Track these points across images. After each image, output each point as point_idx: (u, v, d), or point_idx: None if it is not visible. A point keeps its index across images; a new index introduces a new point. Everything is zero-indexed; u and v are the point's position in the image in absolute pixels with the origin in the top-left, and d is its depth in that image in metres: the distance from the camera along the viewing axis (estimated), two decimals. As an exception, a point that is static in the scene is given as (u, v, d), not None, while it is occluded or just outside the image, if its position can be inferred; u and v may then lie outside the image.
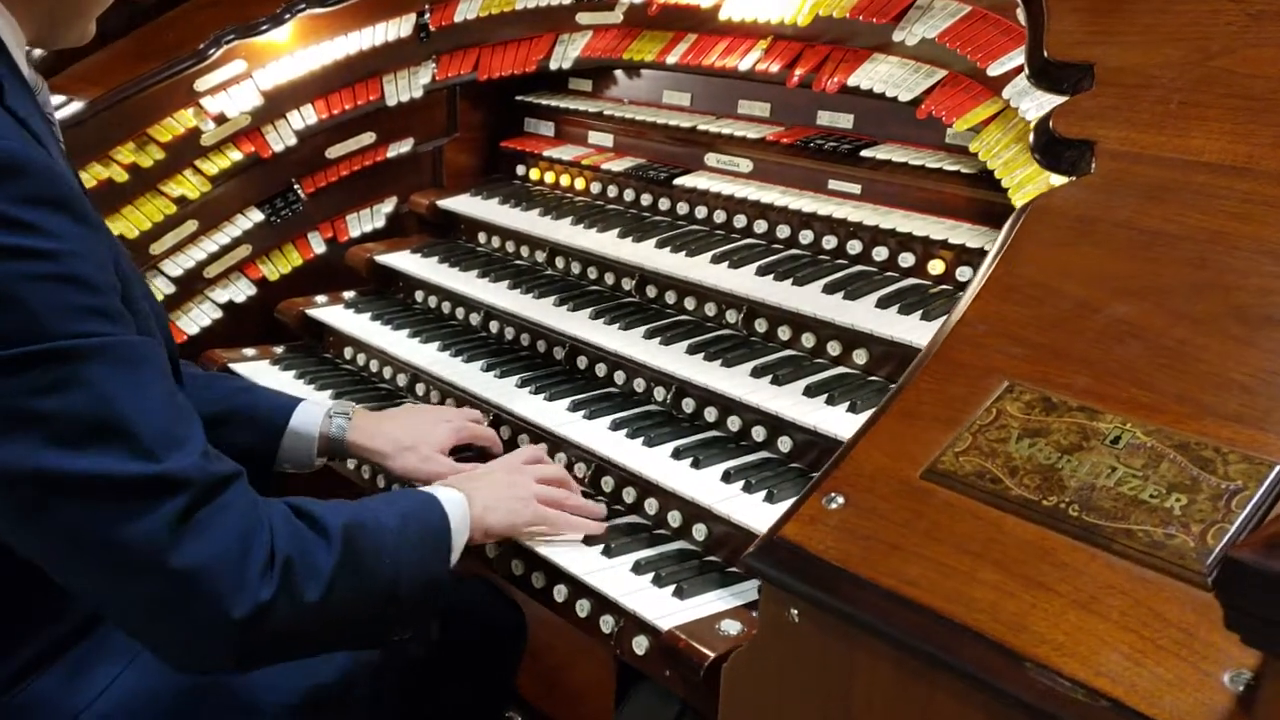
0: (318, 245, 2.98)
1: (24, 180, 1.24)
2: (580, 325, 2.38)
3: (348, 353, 2.69)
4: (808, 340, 2.16)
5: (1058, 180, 1.46)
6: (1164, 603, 0.89)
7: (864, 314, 2.11)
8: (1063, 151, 1.42)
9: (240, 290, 2.91)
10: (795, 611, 1.05)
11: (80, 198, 1.34)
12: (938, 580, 0.97)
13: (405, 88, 2.93)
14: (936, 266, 2.18)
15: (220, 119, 2.78)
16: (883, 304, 2.12)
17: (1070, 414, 1.05)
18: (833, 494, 1.08)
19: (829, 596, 1.01)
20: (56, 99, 2.72)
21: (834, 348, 2.12)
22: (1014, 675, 0.89)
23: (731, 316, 2.29)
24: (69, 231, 1.28)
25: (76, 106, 2.70)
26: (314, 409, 2.05)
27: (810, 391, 2.02)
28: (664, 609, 1.73)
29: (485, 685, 2.12)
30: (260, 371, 2.66)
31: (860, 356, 2.08)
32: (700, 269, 2.38)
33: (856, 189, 2.37)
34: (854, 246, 2.32)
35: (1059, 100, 1.54)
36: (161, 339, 1.56)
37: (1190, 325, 1.09)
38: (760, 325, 2.24)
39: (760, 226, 2.49)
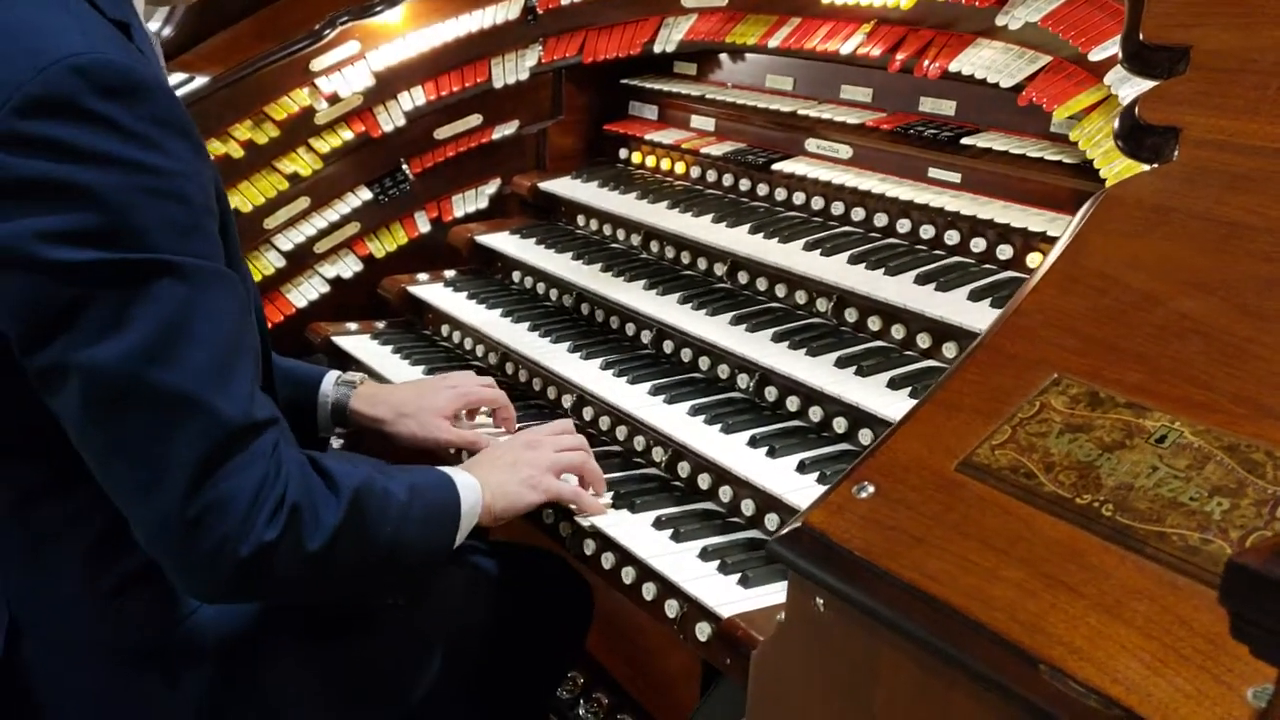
0: (423, 224, 3.03)
1: (154, 102, 1.34)
2: (668, 309, 2.37)
3: (444, 330, 2.73)
4: (898, 331, 2.11)
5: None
6: (1192, 611, 0.84)
7: (955, 306, 2.05)
8: (1145, 138, 1.35)
9: (348, 266, 2.97)
10: (820, 601, 1.03)
11: (196, 130, 1.43)
12: (958, 575, 0.93)
13: (512, 70, 2.96)
14: (1035, 259, 2.10)
15: (333, 99, 2.83)
16: (975, 296, 2.06)
17: (1116, 410, 0.99)
18: (864, 483, 1.04)
19: (848, 587, 0.98)
20: (180, 75, 2.83)
21: (924, 340, 2.07)
22: (1026, 677, 0.85)
23: (822, 305, 2.26)
24: (186, 155, 1.37)
25: (198, 84, 2.78)
26: (332, 376, 2.12)
27: (895, 384, 1.98)
28: (727, 596, 1.71)
29: (545, 655, 2.15)
30: (361, 345, 2.72)
31: (950, 350, 2.03)
32: (792, 256, 2.35)
33: (956, 178, 2.30)
34: (952, 237, 2.26)
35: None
36: (250, 287, 1.65)
37: (1257, 323, 1.03)
38: (850, 315, 2.20)
39: (858, 214, 2.44)
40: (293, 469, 1.42)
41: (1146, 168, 1.40)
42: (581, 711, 2.82)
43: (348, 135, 2.87)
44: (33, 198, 1.28)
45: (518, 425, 2.21)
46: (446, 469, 1.74)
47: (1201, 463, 0.93)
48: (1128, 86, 1.64)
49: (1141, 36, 1.50)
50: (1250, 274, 1.08)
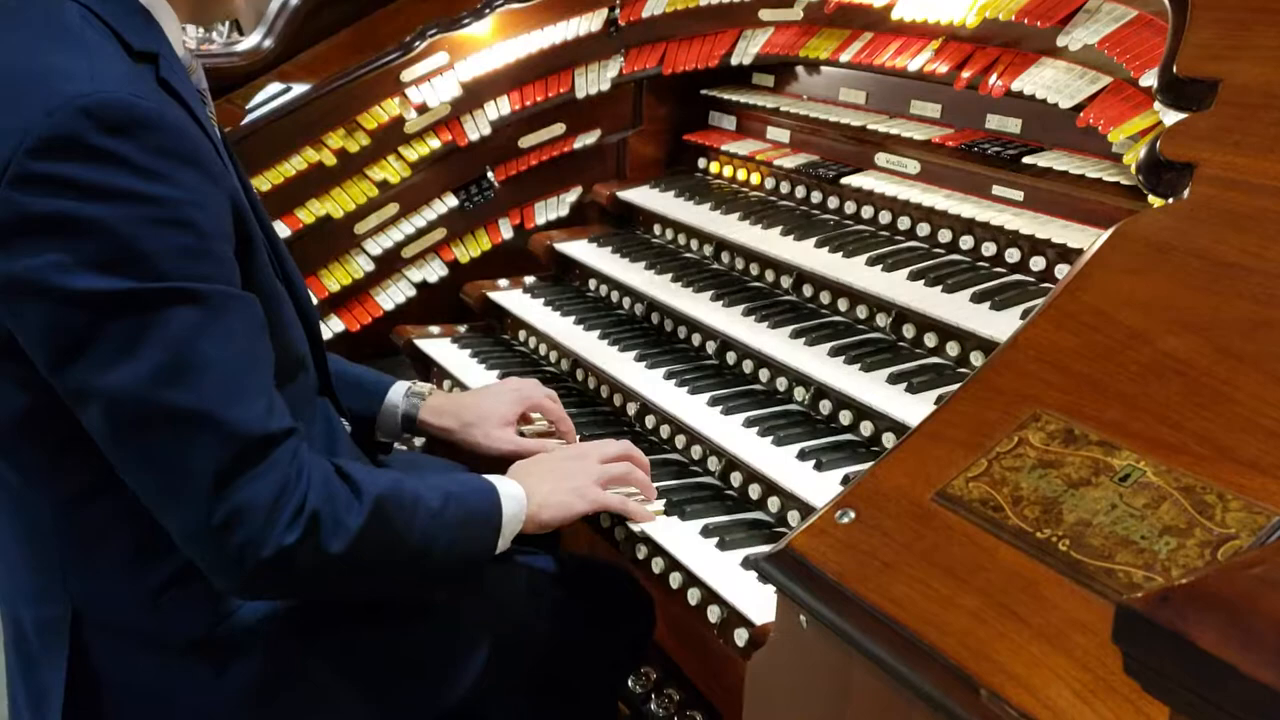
0: (506, 231, 3.13)
1: (160, 134, 1.42)
2: (732, 321, 2.43)
3: (521, 335, 2.83)
4: (952, 349, 2.14)
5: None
6: (1127, 646, 0.87)
7: (1007, 326, 2.06)
8: (1163, 174, 1.36)
9: (433, 271, 3.09)
10: (804, 619, 1.08)
11: (210, 156, 1.51)
12: (919, 601, 0.98)
13: (594, 81, 3.04)
14: (1092, 279, 2.11)
15: (422, 108, 2.94)
16: (1027, 316, 2.07)
17: (1088, 448, 1.03)
18: (846, 509, 1.10)
19: (823, 607, 1.03)
20: (277, 87, 2.97)
21: (977, 358, 2.09)
22: (969, 702, 0.90)
23: (881, 320, 2.29)
24: (193, 182, 1.45)
25: (295, 94, 2.91)
26: (401, 387, 2.21)
27: (942, 402, 2.00)
28: (764, 604, 1.77)
29: (605, 661, 2.22)
30: (441, 349, 2.84)
31: (1002, 368, 2.04)
32: (854, 270, 2.39)
33: (1019, 196, 2.32)
34: (1012, 255, 2.27)
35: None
36: (294, 294, 1.75)
37: (1234, 364, 1.05)
38: (908, 331, 2.23)
39: (923, 229, 2.47)
40: (314, 476, 1.51)
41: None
42: (653, 706, 2.88)
43: (435, 144, 2.97)
44: (48, 234, 1.37)
45: (582, 435, 2.30)
46: (492, 476, 1.83)
47: (1158, 502, 0.96)
48: (1171, 115, 1.65)
49: (1175, 69, 1.51)
50: (1238, 316, 1.10)
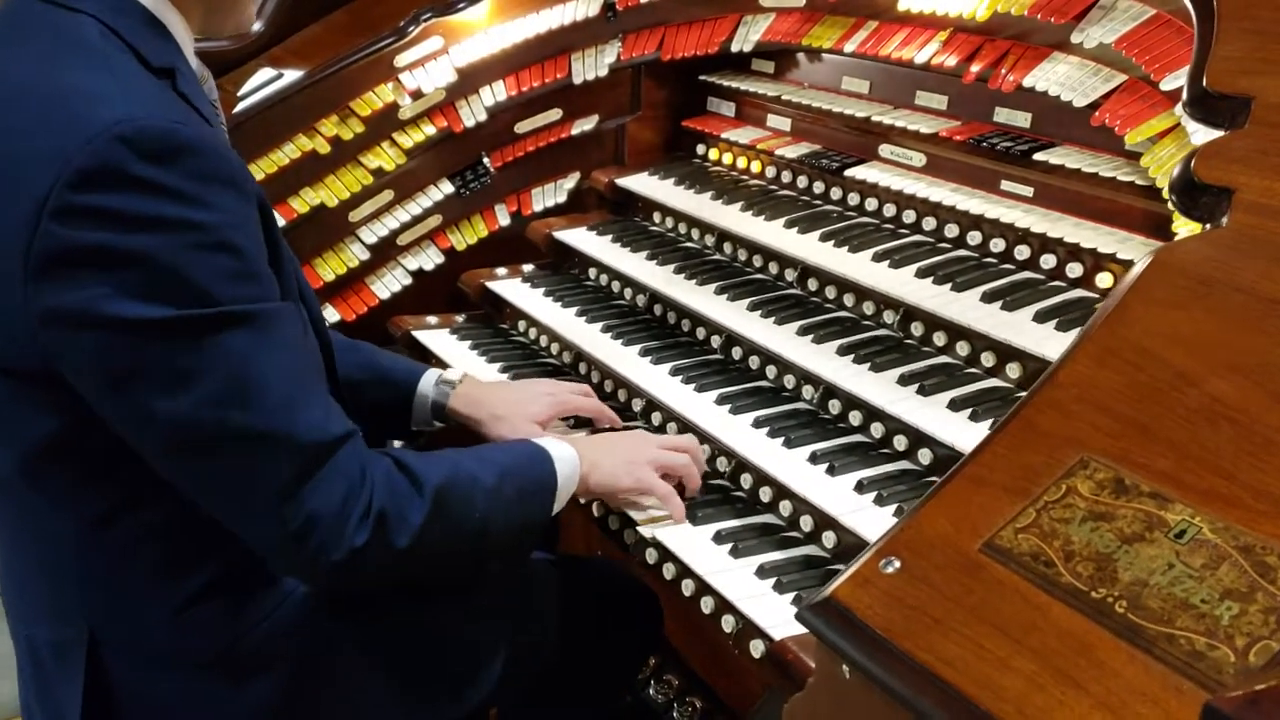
0: (503, 218, 3.08)
1: (196, 159, 1.40)
2: (737, 316, 2.41)
3: (521, 326, 2.80)
4: (962, 349, 2.12)
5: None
6: (1192, 718, 0.86)
7: (1020, 327, 2.05)
8: (1199, 197, 1.34)
9: (429, 258, 3.04)
10: (846, 668, 1.07)
11: (242, 171, 1.49)
12: (972, 662, 0.97)
13: (591, 66, 2.99)
14: (1105, 280, 2.10)
15: (417, 94, 2.88)
16: (1040, 318, 2.06)
17: (1140, 499, 1.01)
18: (890, 557, 1.08)
19: (869, 662, 1.02)
20: (269, 73, 2.91)
21: (988, 359, 2.08)
22: (1028, 773, 0.89)
23: (888, 317, 2.27)
24: (232, 204, 1.44)
25: (286, 81, 2.85)
26: (432, 376, 2.20)
27: (955, 405, 2.00)
28: (780, 617, 1.76)
29: (614, 658, 2.23)
30: (439, 340, 2.80)
31: (1014, 370, 2.04)
32: (860, 266, 2.36)
33: (1029, 192, 2.29)
34: (1022, 252, 2.25)
35: (1217, 134, 1.45)
36: (305, 305, 1.71)
37: (1287, 412, 1.04)
38: (916, 329, 2.21)
39: (929, 224, 2.44)
40: (377, 475, 1.53)
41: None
42: (653, 692, 2.89)
43: (430, 130, 2.92)
44: (92, 266, 1.35)
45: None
46: (543, 441, 1.85)
47: (1216, 563, 0.95)
48: (1196, 127, 1.62)
49: (1205, 82, 1.48)
50: (1287, 358, 1.08)
